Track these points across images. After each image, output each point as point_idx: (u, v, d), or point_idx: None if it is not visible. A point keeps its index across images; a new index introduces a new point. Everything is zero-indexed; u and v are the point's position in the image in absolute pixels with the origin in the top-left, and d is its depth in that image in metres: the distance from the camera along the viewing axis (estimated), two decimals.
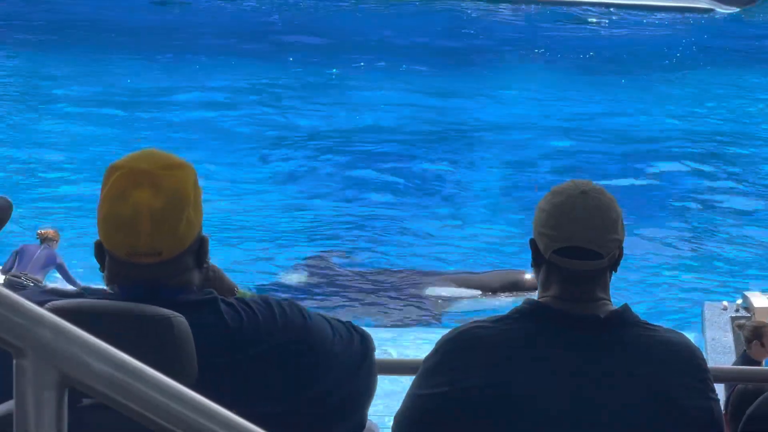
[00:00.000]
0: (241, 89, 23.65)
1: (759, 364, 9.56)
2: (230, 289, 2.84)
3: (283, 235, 17.35)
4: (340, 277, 15.92)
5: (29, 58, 25.34)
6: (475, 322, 2.82)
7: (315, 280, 15.87)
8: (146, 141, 19.42)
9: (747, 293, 14.11)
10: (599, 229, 2.75)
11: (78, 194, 17.61)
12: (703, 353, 2.90)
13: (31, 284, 13.84)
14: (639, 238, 16.44)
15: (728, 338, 13.10)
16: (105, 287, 2.49)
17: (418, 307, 15.18)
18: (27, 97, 22.96)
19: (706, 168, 20.31)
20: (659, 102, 23.76)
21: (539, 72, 25.53)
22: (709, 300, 14.50)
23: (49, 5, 28.89)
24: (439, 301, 15.34)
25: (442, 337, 2.82)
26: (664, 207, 18.59)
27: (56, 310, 1.99)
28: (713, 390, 2.79)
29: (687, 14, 30.88)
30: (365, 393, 2.66)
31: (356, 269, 16.22)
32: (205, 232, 2.52)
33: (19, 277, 14.12)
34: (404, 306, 15.20)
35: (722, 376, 4.53)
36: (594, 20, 30.42)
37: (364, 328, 2.73)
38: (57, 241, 14.65)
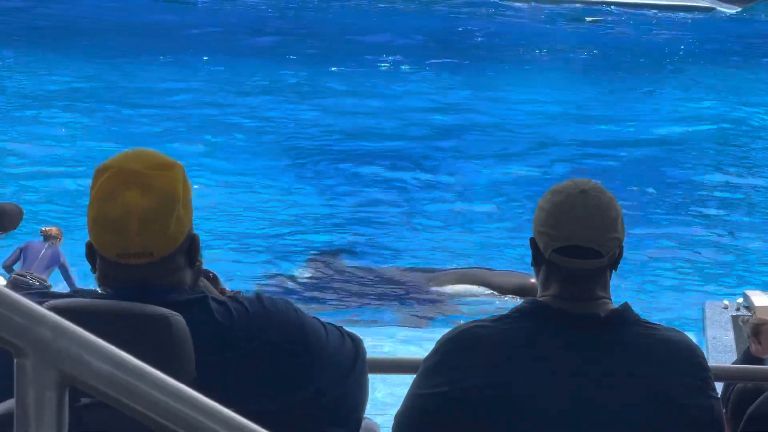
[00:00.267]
0: (242, 88, 23.65)
1: (760, 361, 9.58)
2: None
3: (284, 235, 17.34)
4: (343, 277, 15.92)
5: (30, 56, 25.34)
6: (475, 321, 2.82)
7: (318, 279, 15.86)
8: (147, 140, 19.41)
9: (748, 292, 14.12)
10: (599, 228, 2.75)
11: (81, 192, 17.60)
12: (704, 352, 2.89)
13: (37, 284, 13.86)
14: (640, 236, 16.43)
15: (729, 337, 13.10)
16: (97, 288, 2.49)
17: (422, 305, 15.18)
18: (28, 95, 22.96)
19: (707, 166, 20.31)
20: (659, 101, 23.76)
21: (540, 71, 25.53)
22: (710, 299, 14.50)
23: (49, 4, 28.91)
24: (445, 298, 15.32)
25: (442, 336, 2.82)
26: (665, 206, 18.59)
27: (55, 310, 2.00)
28: (714, 389, 2.79)
29: (688, 13, 30.88)
30: (358, 395, 2.66)
31: (358, 268, 16.21)
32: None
33: (25, 276, 14.13)
34: (408, 304, 15.19)
35: (723, 374, 4.53)
36: (594, 19, 30.42)
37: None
38: (60, 239, 14.65)
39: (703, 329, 13.45)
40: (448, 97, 23.41)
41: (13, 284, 13.78)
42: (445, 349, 2.77)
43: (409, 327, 14.37)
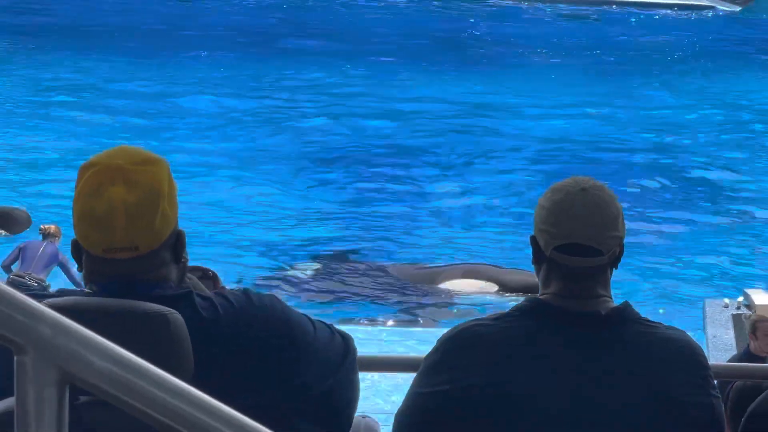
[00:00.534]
0: (243, 87, 23.65)
1: (760, 358, 9.59)
2: None
3: (285, 234, 17.33)
4: (347, 274, 15.91)
5: (31, 54, 25.34)
6: (475, 319, 2.82)
7: (321, 277, 15.85)
8: (148, 139, 19.42)
9: (748, 290, 14.10)
10: (599, 226, 2.75)
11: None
12: (704, 350, 2.89)
13: (35, 284, 13.83)
14: (640, 235, 16.43)
15: (729, 335, 13.09)
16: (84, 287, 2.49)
17: (428, 302, 15.17)
18: (28, 93, 22.96)
19: (708, 165, 20.31)
20: (659, 99, 23.76)
21: (540, 70, 25.53)
22: (710, 297, 14.49)
23: (49, 3, 28.90)
24: (451, 295, 15.30)
25: (443, 335, 2.82)
26: (666, 204, 18.58)
27: (53, 308, 2.00)
28: (714, 387, 2.79)
29: (688, 12, 30.87)
30: (348, 391, 2.65)
31: (362, 265, 16.20)
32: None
33: (23, 277, 14.11)
34: (414, 301, 15.19)
35: (723, 373, 4.53)
36: (594, 18, 30.42)
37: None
38: (59, 237, 14.64)
39: (704, 328, 13.44)
40: (451, 97, 23.40)
41: (11, 285, 13.74)
42: (445, 347, 2.77)
43: (413, 324, 14.36)
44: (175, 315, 2.30)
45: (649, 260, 16.26)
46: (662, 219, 17.92)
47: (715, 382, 2.83)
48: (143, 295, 2.38)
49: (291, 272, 15.96)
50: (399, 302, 15.15)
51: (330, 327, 2.66)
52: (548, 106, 23.01)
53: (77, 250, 2.48)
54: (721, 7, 31.15)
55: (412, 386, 2.79)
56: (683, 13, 30.78)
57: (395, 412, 2.79)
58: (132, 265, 2.43)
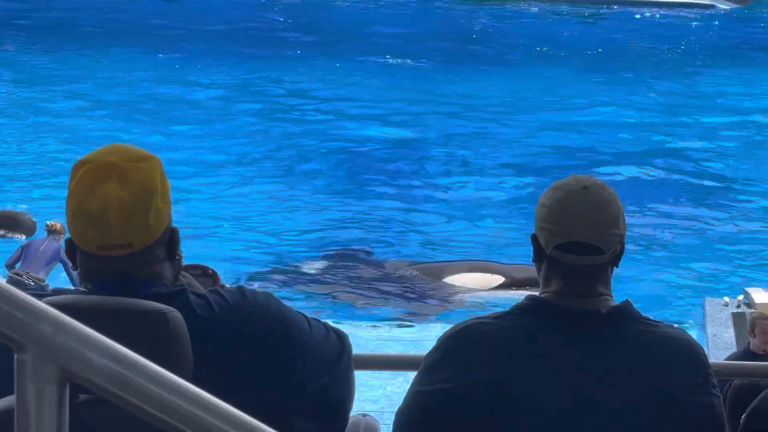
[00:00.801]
0: (243, 86, 23.65)
1: (759, 356, 9.59)
2: None
3: (286, 233, 17.33)
4: (351, 272, 15.91)
5: (32, 54, 25.34)
6: (476, 317, 2.82)
7: (323, 276, 15.84)
8: (149, 139, 19.42)
9: (748, 289, 14.10)
10: (600, 225, 2.75)
11: None
12: (704, 349, 2.89)
13: (32, 283, 13.83)
14: (641, 233, 16.43)
15: (729, 334, 13.09)
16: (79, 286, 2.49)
17: (433, 298, 15.17)
18: (28, 92, 22.96)
19: (708, 164, 20.30)
20: (659, 97, 23.75)
21: (540, 69, 25.51)
22: (710, 296, 14.49)
23: (48, 2, 28.90)
24: (456, 291, 15.29)
25: (444, 333, 2.83)
26: (666, 202, 18.58)
27: (53, 306, 2.00)
28: (715, 386, 2.79)
29: (688, 10, 30.87)
30: (344, 389, 2.66)
31: (366, 263, 16.20)
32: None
33: (21, 276, 14.11)
34: (418, 298, 15.18)
35: (723, 371, 4.53)
36: (594, 16, 30.41)
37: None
38: (63, 235, 14.63)
39: (704, 326, 13.43)
40: (452, 96, 23.40)
41: (10, 283, 13.73)
42: (446, 345, 2.77)
43: (417, 321, 14.35)
44: (175, 313, 2.29)
45: (650, 259, 16.26)
46: (663, 218, 17.92)
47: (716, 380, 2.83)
48: (138, 293, 2.38)
49: (292, 270, 15.95)
50: (406, 299, 15.14)
51: (325, 325, 2.66)
52: (549, 105, 23.00)
53: (72, 249, 2.48)
54: (722, 6, 31.14)
55: (413, 384, 2.79)
56: (683, 11, 30.78)
57: (395, 410, 2.79)
58: (126, 262, 2.42)
